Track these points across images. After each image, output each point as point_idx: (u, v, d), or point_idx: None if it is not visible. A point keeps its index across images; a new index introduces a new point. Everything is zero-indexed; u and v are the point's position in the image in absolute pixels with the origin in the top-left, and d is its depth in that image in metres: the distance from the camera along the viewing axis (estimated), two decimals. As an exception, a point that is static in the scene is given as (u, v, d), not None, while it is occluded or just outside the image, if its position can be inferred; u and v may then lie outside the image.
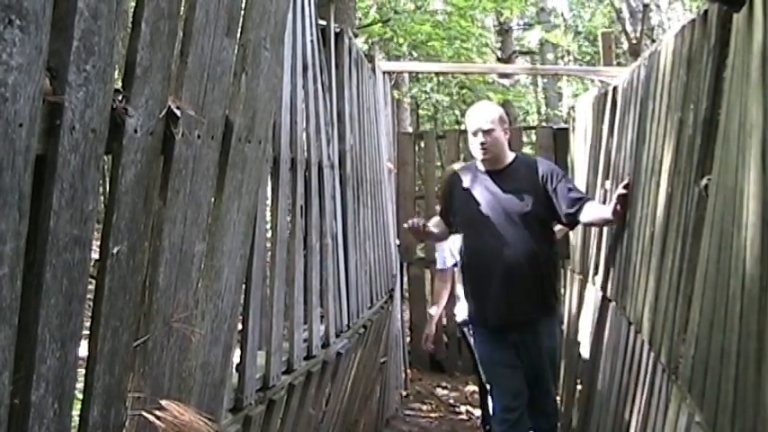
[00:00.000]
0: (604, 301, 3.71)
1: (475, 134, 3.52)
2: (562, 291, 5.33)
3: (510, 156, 3.63)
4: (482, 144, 3.49)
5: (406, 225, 3.76)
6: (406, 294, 6.69)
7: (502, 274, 3.46)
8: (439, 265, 4.61)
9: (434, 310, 4.70)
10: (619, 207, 3.25)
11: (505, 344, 3.58)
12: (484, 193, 3.56)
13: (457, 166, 4.16)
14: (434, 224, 3.83)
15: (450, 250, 4.41)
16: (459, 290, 4.17)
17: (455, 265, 4.33)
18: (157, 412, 1.33)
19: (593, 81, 8.97)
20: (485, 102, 3.86)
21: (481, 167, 3.61)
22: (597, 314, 3.86)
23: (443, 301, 4.66)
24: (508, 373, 3.59)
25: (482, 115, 3.56)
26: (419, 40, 9.94)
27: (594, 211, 3.49)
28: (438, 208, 3.92)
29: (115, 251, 1.23)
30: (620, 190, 3.25)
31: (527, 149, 8.60)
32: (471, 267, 3.64)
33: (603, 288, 3.77)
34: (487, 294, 3.53)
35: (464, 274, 3.73)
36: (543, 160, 3.84)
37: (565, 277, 5.52)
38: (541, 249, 3.49)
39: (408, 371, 5.81)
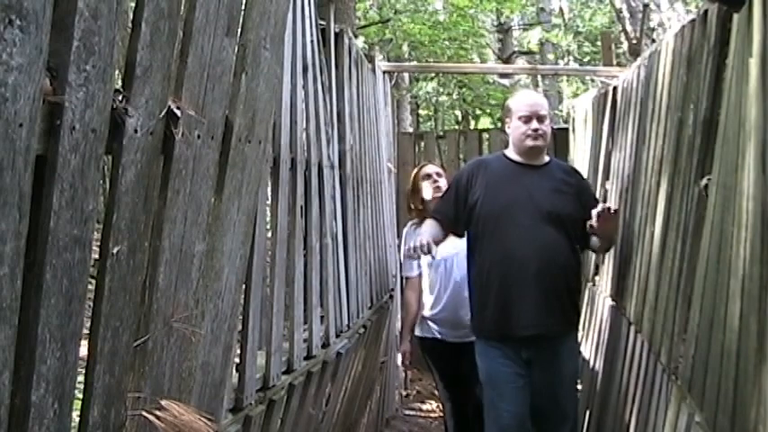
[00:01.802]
0: (605, 301, 3.71)
1: (528, 119, 3.22)
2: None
3: (545, 155, 3.38)
4: (535, 131, 3.20)
5: (406, 251, 3.42)
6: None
7: (534, 281, 3.06)
8: (406, 272, 4.14)
9: (407, 323, 4.13)
10: (595, 222, 3.04)
11: (518, 361, 3.14)
12: (517, 187, 3.20)
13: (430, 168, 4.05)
14: (430, 233, 3.27)
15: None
16: (425, 299, 3.95)
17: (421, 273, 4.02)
18: (157, 412, 1.33)
19: (593, 81, 8.97)
20: (530, 90, 3.78)
21: (516, 158, 3.29)
22: (597, 314, 3.86)
23: (413, 312, 4.07)
24: (515, 394, 3.14)
25: (538, 100, 3.34)
26: (419, 41, 9.94)
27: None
28: (440, 207, 3.46)
29: (115, 251, 1.23)
30: (601, 208, 3.06)
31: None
32: (491, 273, 3.15)
33: (604, 288, 3.77)
34: (512, 304, 3.09)
35: (477, 280, 3.25)
36: (577, 169, 3.59)
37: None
38: (575, 258, 3.20)
39: (408, 371, 5.81)
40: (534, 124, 3.21)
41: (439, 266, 3.87)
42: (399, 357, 4.19)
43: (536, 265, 3.06)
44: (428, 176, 3.95)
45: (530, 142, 3.22)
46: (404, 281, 4.26)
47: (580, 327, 3.74)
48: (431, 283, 3.95)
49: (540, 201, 3.15)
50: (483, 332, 3.25)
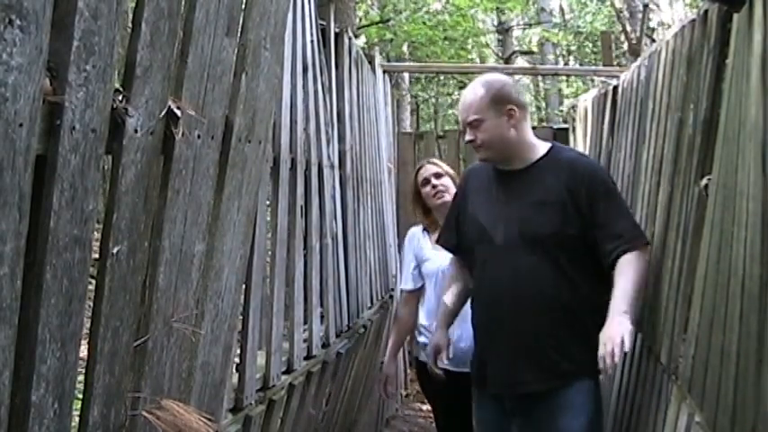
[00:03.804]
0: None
1: (463, 130, 2.56)
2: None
3: (535, 149, 2.51)
4: (470, 142, 2.50)
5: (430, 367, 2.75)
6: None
7: (507, 325, 2.43)
8: (402, 284, 3.47)
9: (394, 343, 3.46)
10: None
11: (500, 413, 2.52)
12: (490, 203, 2.55)
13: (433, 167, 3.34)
14: (449, 297, 2.76)
15: (416, 263, 3.33)
16: (422, 317, 3.30)
17: (423, 287, 3.33)
18: (157, 412, 1.33)
19: (593, 81, 8.97)
20: (476, 80, 2.58)
21: (498, 165, 2.56)
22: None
23: (404, 331, 3.45)
24: None
25: (466, 101, 2.52)
26: (419, 41, 9.94)
27: (628, 271, 2.30)
28: (445, 234, 2.81)
29: (115, 251, 1.23)
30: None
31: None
32: (473, 309, 2.62)
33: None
34: (486, 350, 2.53)
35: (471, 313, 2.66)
36: (585, 160, 2.61)
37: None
38: (571, 289, 2.38)
39: (408, 371, 5.81)
40: (467, 135, 2.51)
41: (432, 278, 3.26)
42: (380, 383, 3.42)
43: (507, 304, 2.42)
44: (426, 182, 3.30)
45: (478, 155, 2.58)
46: (399, 293, 3.60)
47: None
48: (425, 297, 3.33)
49: (513, 219, 2.44)
50: (471, 371, 2.67)
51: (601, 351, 2.14)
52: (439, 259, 3.12)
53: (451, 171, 3.38)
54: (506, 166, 2.53)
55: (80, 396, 1.22)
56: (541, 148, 2.53)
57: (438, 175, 3.29)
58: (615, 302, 2.25)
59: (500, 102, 2.45)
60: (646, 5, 8.64)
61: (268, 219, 2.30)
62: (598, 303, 2.32)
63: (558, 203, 2.40)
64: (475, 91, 2.51)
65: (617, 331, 2.14)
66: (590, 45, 13.89)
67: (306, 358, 2.63)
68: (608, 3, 11.44)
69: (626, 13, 9.23)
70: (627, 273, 2.29)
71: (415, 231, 3.41)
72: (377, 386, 3.52)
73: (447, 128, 12.23)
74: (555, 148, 2.56)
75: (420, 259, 3.31)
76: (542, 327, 2.38)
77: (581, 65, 13.53)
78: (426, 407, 5.47)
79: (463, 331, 2.92)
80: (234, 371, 1.96)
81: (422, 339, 3.24)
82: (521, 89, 2.59)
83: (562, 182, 2.41)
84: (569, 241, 2.39)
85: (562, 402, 2.37)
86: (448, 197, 3.16)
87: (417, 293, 3.34)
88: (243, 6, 1.66)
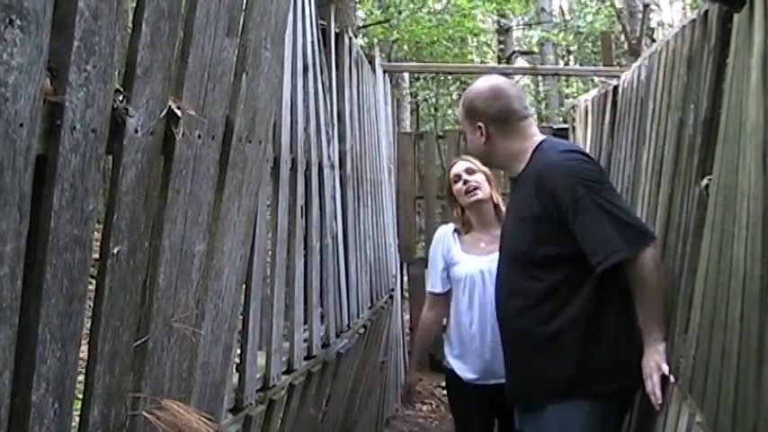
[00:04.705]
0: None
1: None
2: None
3: (524, 157, 2.32)
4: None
5: None
6: (406, 294, 6.69)
7: (502, 335, 2.45)
8: (429, 286, 3.26)
9: (415, 350, 3.35)
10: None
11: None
12: (508, 214, 2.56)
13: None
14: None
15: (445, 264, 3.12)
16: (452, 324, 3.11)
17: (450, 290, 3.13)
18: (157, 412, 1.33)
19: (593, 81, 8.97)
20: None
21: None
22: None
23: (426, 337, 3.27)
24: None
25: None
26: (422, 42, 9.93)
27: (634, 288, 2.14)
28: None
29: (115, 251, 1.23)
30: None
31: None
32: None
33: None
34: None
35: None
36: (555, 165, 2.20)
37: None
38: (550, 312, 2.20)
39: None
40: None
41: (460, 283, 3.06)
42: (403, 393, 3.34)
43: (499, 319, 2.45)
44: (458, 178, 3.10)
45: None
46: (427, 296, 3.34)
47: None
48: (454, 303, 3.10)
49: (506, 233, 2.43)
50: None
51: (648, 388, 2.11)
52: (469, 264, 2.99)
53: (486, 169, 3.05)
54: (510, 174, 2.46)
55: (80, 396, 1.22)
56: (525, 152, 2.32)
57: (470, 171, 3.07)
58: (642, 329, 2.15)
59: (471, 116, 2.38)
60: (646, 5, 8.64)
61: (268, 219, 2.30)
62: (596, 323, 2.17)
63: (528, 219, 2.23)
64: (461, 101, 2.47)
65: (652, 366, 2.11)
66: (590, 45, 13.90)
67: (306, 358, 2.63)
68: (608, 3, 11.45)
69: (626, 13, 9.22)
70: (635, 291, 2.14)
71: (446, 231, 3.18)
72: (400, 395, 3.34)
73: (447, 128, 12.23)
74: (537, 151, 2.29)
75: (449, 262, 3.08)
76: (514, 346, 2.36)
77: (581, 65, 13.53)
78: (426, 407, 5.48)
79: (482, 342, 2.90)
80: (234, 371, 1.96)
81: (448, 348, 3.09)
82: (507, 97, 2.35)
83: (533, 194, 2.20)
84: (548, 261, 2.19)
85: (548, 422, 2.24)
86: (481, 194, 3.02)
87: (445, 297, 3.11)
88: (243, 6, 1.66)
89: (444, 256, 3.10)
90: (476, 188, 3.03)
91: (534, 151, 2.30)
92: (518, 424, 2.45)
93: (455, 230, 3.15)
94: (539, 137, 2.35)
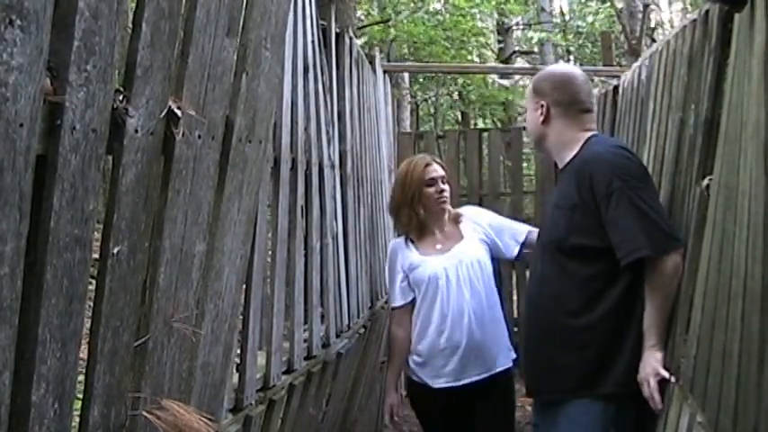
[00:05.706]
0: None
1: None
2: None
3: (573, 147, 2.34)
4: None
5: None
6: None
7: (532, 327, 2.45)
8: (391, 302, 3.15)
9: (392, 368, 3.22)
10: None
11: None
12: (549, 203, 2.58)
13: None
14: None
15: (404, 274, 3.03)
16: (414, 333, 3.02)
17: (413, 300, 3.03)
18: (157, 412, 1.33)
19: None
20: None
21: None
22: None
23: (403, 354, 3.09)
24: None
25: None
26: (421, 42, 9.93)
27: (647, 290, 2.15)
28: None
29: (115, 251, 1.23)
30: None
31: (527, 150, 8.56)
32: None
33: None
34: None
35: None
36: (597, 157, 2.24)
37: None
38: (577, 302, 2.22)
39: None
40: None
41: (423, 285, 2.99)
42: (386, 412, 3.25)
43: (527, 309, 2.54)
44: (433, 182, 3.02)
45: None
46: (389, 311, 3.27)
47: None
48: (416, 310, 3.04)
49: (544, 221, 2.51)
50: None
51: (645, 393, 2.11)
52: (429, 264, 2.96)
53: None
54: (558, 161, 2.45)
55: (80, 396, 1.22)
56: (575, 142, 2.34)
57: (444, 180, 3.05)
58: (645, 335, 2.15)
59: (537, 93, 2.42)
60: (646, 5, 8.64)
61: (268, 219, 2.30)
62: (624, 323, 2.17)
63: (566, 208, 2.24)
64: (532, 78, 2.55)
65: (648, 371, 2.11)
66: (590, 45, 13.89)
67: (306, 358, 2.63)
68: (608, 3, 11.44)
69: (626, 13, 9.22)
70: (647, 293, 2.15)
71: (399, 242, 3.11)
72: (386, 416, 3.33)
73: (447, 128, 12.23)
74: (587, 144, 2.32)
75: (409, 269, 3.01)
76: (540, 338, 2.36)
77: (581, 65, 13.53)
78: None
79: (449, 341, 2.89)
80: (234, 371, 1.96)
81: (413, 358, 3.04)
82: (577, 86, 2.39)
83: (573, 184, 2.23)
84: (578, 251, 2.21)
85: (562, 417, 2.24)
86: (447, 205, 3.05)
87: (409, 308, 3.04)
88: (243, 6, 1.66)
89: (403, 266, 3.04)
90: (447, 199, 3.04)
91: (584, 144, 2.33)
92: (534, 418, 2.47)
93: (406, 239, 3.09)
94: (593, 132, 2.38)
